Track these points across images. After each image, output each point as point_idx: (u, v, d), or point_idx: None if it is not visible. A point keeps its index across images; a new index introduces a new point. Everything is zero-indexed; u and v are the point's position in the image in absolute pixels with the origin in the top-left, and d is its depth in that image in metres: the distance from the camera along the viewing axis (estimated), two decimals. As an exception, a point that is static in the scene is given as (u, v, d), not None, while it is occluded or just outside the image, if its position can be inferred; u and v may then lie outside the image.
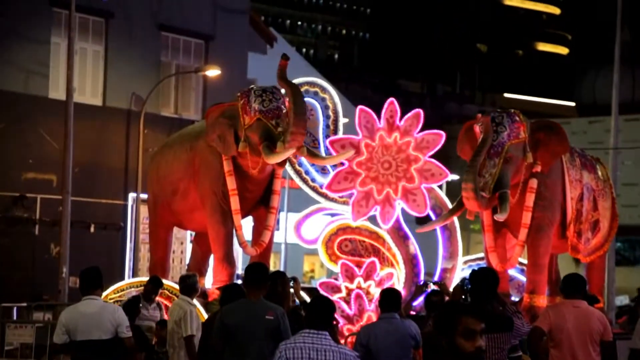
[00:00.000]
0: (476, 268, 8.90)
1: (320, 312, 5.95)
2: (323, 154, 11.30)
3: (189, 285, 9.48)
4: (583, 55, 60.80)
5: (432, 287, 9.54)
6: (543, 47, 72.70)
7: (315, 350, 5.72)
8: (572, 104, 53.84)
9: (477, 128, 10.42)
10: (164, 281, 11.22)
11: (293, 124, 10.23)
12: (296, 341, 5.80)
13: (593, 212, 11.42)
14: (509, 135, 10.30)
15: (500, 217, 10.13)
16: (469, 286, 7.14)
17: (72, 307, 7.88)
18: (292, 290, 9.13)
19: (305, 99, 11.12)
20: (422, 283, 10.36)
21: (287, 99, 10.58)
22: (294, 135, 10.24)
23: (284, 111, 10.58)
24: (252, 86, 10.98)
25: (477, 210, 10.37)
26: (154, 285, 10.79)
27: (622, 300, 17.41)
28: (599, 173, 11.76)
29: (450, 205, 11.30)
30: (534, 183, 10.70)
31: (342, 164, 11.29)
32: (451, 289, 9.44)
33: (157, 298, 10.90)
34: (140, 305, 10.54)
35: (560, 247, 11.37)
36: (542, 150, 10.57)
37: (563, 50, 73.22)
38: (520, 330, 7.17)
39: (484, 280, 6.88)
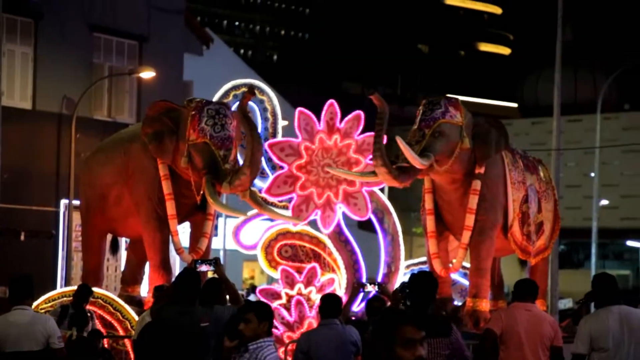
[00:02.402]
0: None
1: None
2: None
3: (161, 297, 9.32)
4: (525, 56, 61.58)
5: (369, 287, 9.28)
6: (485, 47, 73.35)
7: (276, 358, 5.85)
8: (515, 105, 54.47)
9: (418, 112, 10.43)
10: (99, 290, 10.95)
11: (245, 171, 9.94)
12: (269, 352, 5.76)
13: (537, 214, 11.41)
14: (443, 113, 10.32)
15: (424, 163, 9.96)
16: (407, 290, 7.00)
17: (1, 318, 7.62)
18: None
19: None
20: (358, 283, 10.06)
21: (237, 121, 10.28)
22: (243, 181, 9.96)
23: (233, 141, 10.25)
24: (204, 100, 10.58)
25: (393, 185, 10.37)
26: (84, 293, 10.45)
27: (566, 303, 17.48)
28: (542, 174, 11.76)
29: (392, 209, 11.18)
30: (477, 185, 10.63)
31: (281, 167, 11.09)
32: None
33: (89, 307, 10.56)
34: (71, 312, 10.22)
35: (503, 249, 11.32)
36: (480, 142, 10.48)
37: (505, 51, 73.98)
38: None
39: (422, 283, 6.75)
